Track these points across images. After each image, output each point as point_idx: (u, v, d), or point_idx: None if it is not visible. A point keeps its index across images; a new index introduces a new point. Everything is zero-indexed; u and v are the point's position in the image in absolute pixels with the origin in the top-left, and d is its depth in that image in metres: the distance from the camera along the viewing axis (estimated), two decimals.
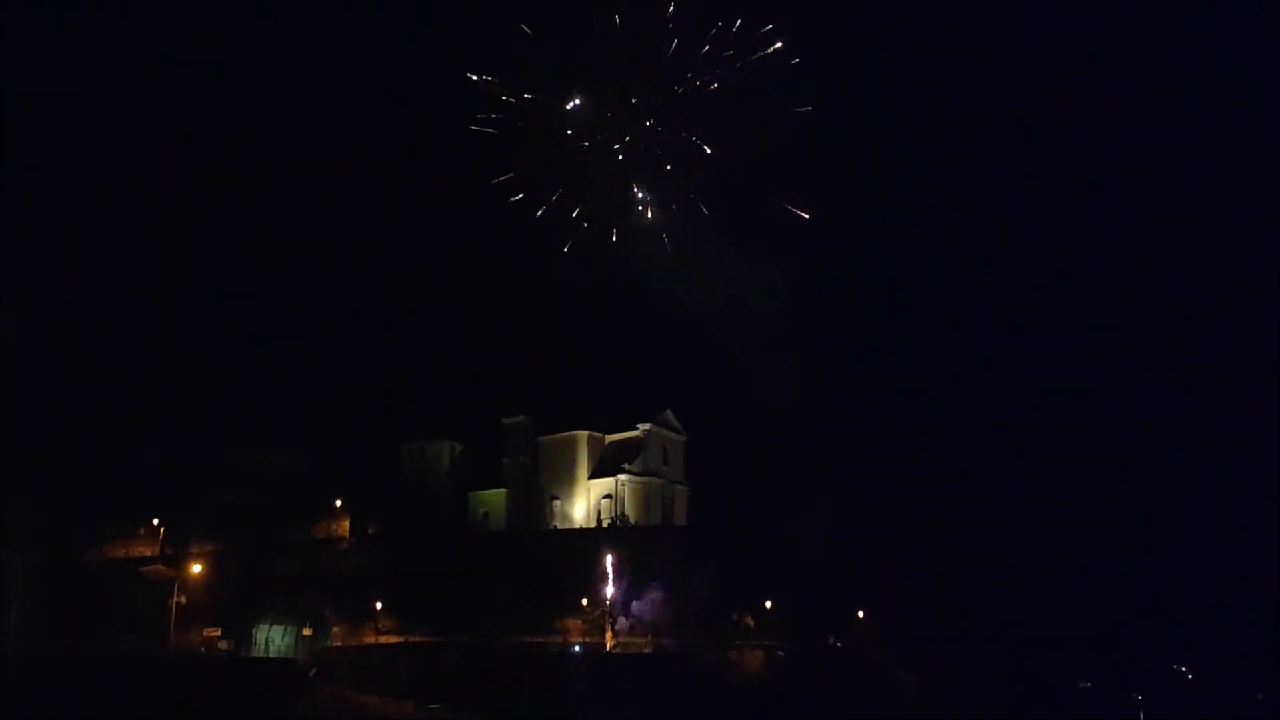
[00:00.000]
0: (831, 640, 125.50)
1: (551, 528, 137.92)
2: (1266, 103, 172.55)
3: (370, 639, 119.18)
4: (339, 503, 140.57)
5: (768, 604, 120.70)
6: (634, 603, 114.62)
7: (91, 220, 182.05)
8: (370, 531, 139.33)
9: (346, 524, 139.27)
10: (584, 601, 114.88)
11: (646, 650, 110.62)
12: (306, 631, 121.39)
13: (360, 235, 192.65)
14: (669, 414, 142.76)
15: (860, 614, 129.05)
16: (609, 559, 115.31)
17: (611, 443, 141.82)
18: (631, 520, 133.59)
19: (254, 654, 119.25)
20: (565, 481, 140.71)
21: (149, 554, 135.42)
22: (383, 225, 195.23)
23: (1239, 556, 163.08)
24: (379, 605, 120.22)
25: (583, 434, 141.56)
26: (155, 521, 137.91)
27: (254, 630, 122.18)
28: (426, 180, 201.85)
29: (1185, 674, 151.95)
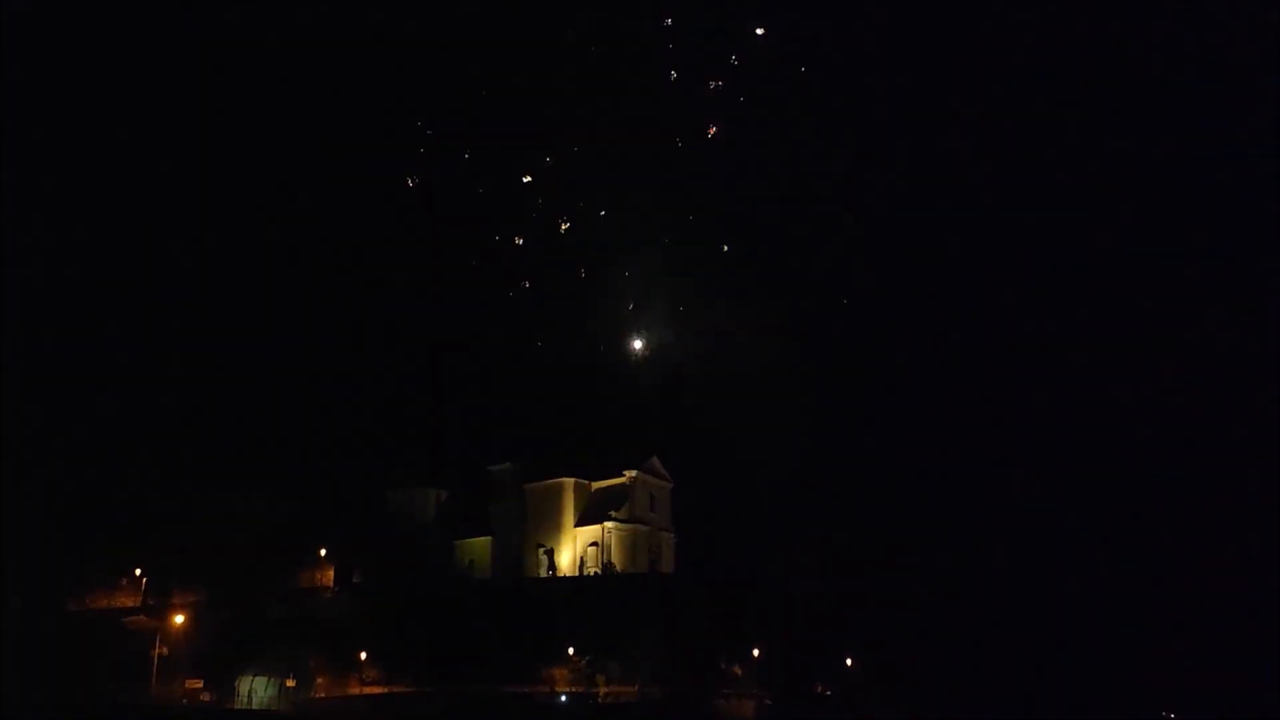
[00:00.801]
0: (820, 688, 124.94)
1: (538, 575, 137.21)
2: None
3: (355, 689, 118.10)
4: (324, 551, 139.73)
5: (755, 652, 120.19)
6: (621, 651, 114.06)
7: (69, 261, 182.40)
8: (355, 580, 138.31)
9: (331, 572, 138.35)
10: (570, 650, 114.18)
11: (634, 700, 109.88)
12: (290, 682, 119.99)
13: (346, 280, 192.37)
14: (655, 461, 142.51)
15: (849, 661, 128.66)
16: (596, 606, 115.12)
17: (598, 490, 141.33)
18: (618, 568, 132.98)
19: (237, 705, 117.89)
20: (552, 529, 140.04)
21: (132, 604, 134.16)
22: (370, 271, 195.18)
23: (1229, 604, 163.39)
24: (364, 655, 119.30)
25: (569, 481, 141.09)
26: (138, 571, 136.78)
27: (237, 681, 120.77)
28: (413, 226, 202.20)
29: None
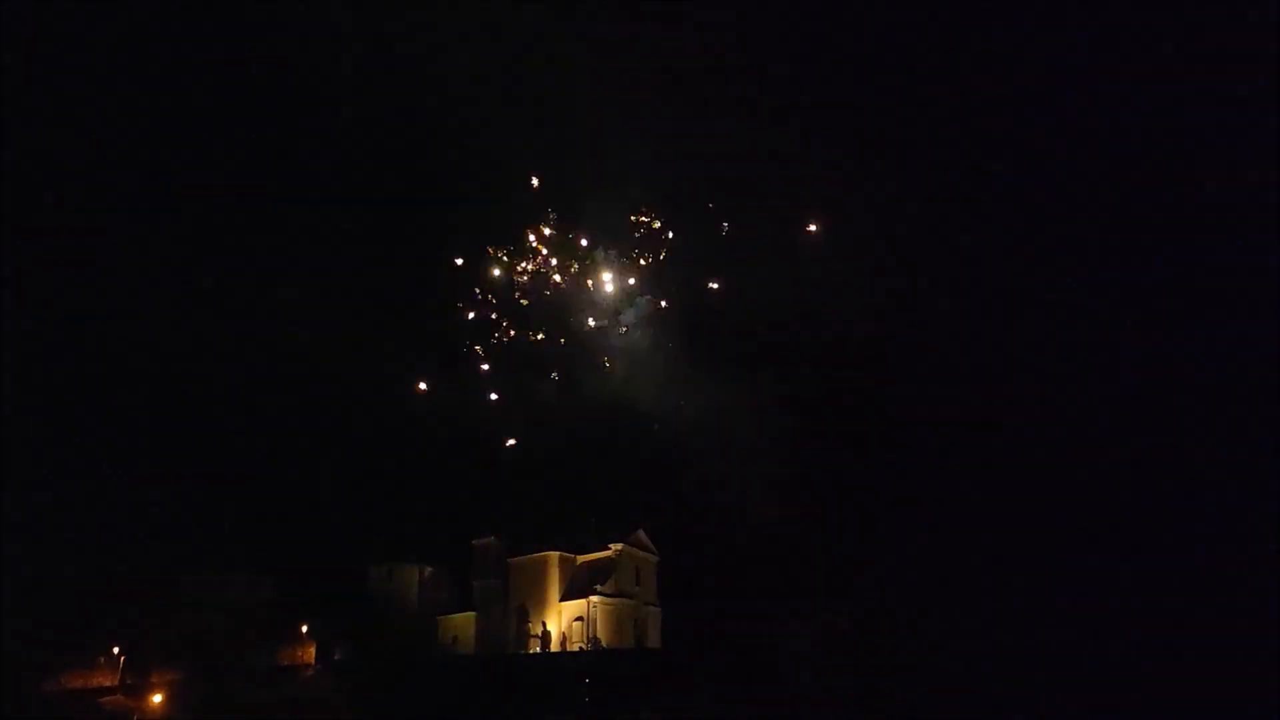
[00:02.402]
0: None
1: (523, 651, 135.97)
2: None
3: None
4: (305, 628, 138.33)
5: None
6: None
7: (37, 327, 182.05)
8: (337, 657, 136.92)
9: (313, 650, 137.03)
10: None
11: None
12: None
13: (326, 352, 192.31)
14: (641, 533, 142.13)
15: None
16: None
17: (583, 563, 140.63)
18: (604, 643, 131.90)
19: None
20: (536, 604, 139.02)
21: (109, 684, 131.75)
22: (349, 341, 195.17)
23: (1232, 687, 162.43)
24: None
25: (553, 555, 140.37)
26: (115, 650, 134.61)
27: None
28: (394, 294, 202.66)
29: None
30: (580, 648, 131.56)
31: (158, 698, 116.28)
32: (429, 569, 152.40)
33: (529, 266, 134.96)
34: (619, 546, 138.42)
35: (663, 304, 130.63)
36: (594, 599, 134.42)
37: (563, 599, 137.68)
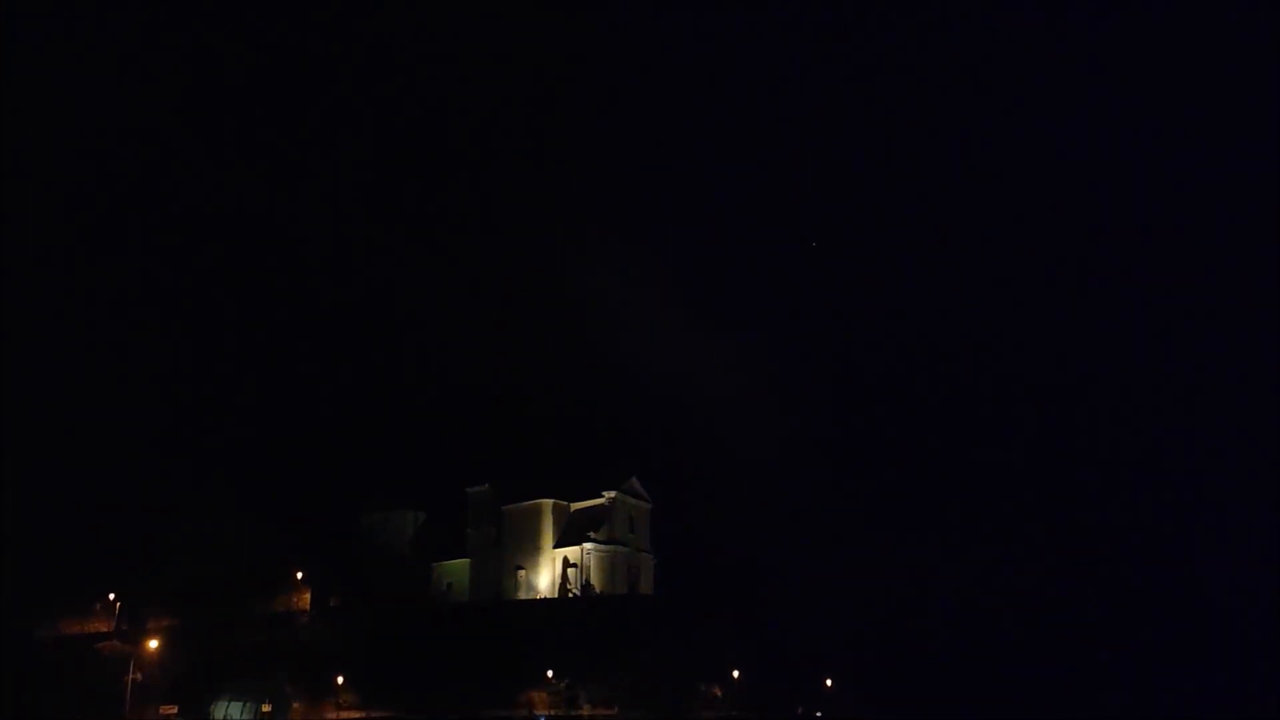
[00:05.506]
0: (800, 710, 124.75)
1: (517, 598, 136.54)
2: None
3: (331, 714, 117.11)
4: (300, 575, 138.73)
5: (736, 673, 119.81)
6: (600, 673, 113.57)
7: (49, 283, 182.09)
8: (332, 604, 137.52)
9: (307, 596, 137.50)
10: (549, 673, 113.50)
11: None
12: (266, 707, 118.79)
13: (326, 301, 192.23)
14: (634, 481, 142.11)
15: (829, 682, 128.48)
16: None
17: (576, 511, 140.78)
18: (597, 589, 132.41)
19: None
20: (530, 551, 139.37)
21: (105, 630, 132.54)
22: (346, 290, 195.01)
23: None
24: (340, 679, 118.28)
25: (547, 503, 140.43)
26: (112, 596, 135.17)
27: (212, 707, 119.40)
28: (393, 249, 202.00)
29: None
30: (574, 594, 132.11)
31: (154, 643, 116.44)
32: (423, 516, 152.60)
33: None
34: (612, 494, 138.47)
35: None
36: (588, 546, 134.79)
37: (557, 546, 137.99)
